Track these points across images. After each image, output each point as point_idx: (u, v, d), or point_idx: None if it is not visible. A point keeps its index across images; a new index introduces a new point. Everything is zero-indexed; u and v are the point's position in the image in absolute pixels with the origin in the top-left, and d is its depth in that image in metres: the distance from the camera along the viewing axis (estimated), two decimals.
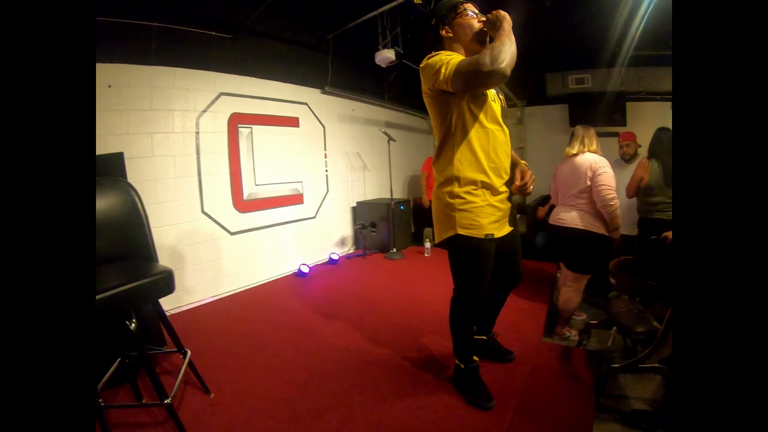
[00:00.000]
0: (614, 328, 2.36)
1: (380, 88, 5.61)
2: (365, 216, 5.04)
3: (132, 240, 1.79)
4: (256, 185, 3.92)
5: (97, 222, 1.72)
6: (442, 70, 1.51)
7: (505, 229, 1.76)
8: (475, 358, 1.93)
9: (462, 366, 1.92)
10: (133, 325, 1.51)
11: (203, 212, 3.46)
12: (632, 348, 2.25)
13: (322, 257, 4.62)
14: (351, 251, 5.14)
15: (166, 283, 1.58)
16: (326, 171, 4.75)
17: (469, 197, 1.65)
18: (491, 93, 1.68)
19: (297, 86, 4.26)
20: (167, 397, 1.56)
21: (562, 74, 5.39)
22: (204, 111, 3.43)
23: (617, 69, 4.85)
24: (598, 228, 2.57)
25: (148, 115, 3.07)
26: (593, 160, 2.56)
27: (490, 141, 1.63)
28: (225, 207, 3.65)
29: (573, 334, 2.79)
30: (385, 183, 5.16)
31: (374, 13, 3.67)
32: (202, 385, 1.98)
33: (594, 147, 2.64)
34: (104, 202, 1.78)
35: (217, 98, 3.52)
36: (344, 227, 5.14)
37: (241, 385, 2.05)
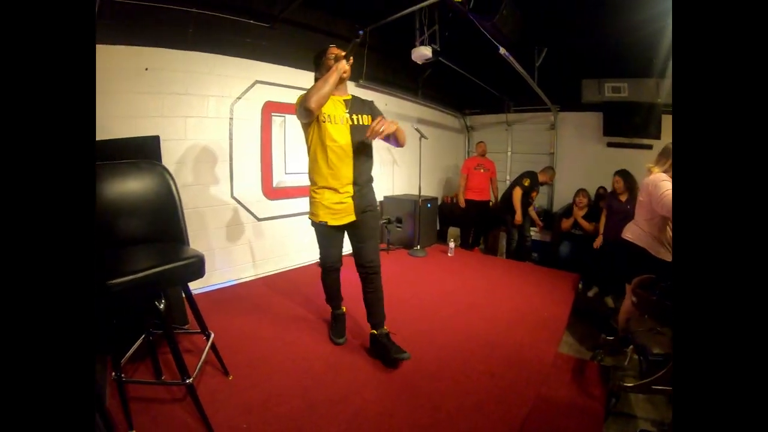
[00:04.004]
0: (631, 346, 2.31)
1: (414, 84, 5.58)
2: (391, 211, 5.05)
3: (165, 223, 1.84)
4: (286, 174, 3.97)
5: (132, 204, 1.78)
6: (296, 107, 2.08)
7: (344, 219, 2.25)
8: (344, 308, 2.60)
9: (331, 311, 2.58)
10: (162, 305, 1.56)
11: (233, 197, 3.53)
12: (647, 368, 2.20)
13: (347, 249, 4.65)
14: None
15: (197, 267, 1.62)
16: None
17: (315, 195, 2.24)
18: (335, 117, 2.13)
19: None
20: (189, 377, 1.61)
21: (599, 81, 5.22)
22: (238, 98, 3.49)
23: (655, 80, 4.68)
24: (652, 248, 2.46)
25: (184, 99, 3.14)
26: (659, 178, 2.36)
27: (328, 154, 2.12)
28: (254, 193, 3.71)
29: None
30: (414, 179, 5.11)
31: (412, 9, 3.64)
32: (221, 366, 2.04)
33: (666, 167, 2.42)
34: (140, 185, 1.82)
35: (252, 86, 3.58)
36: None
37: (260, 370, 2.11)
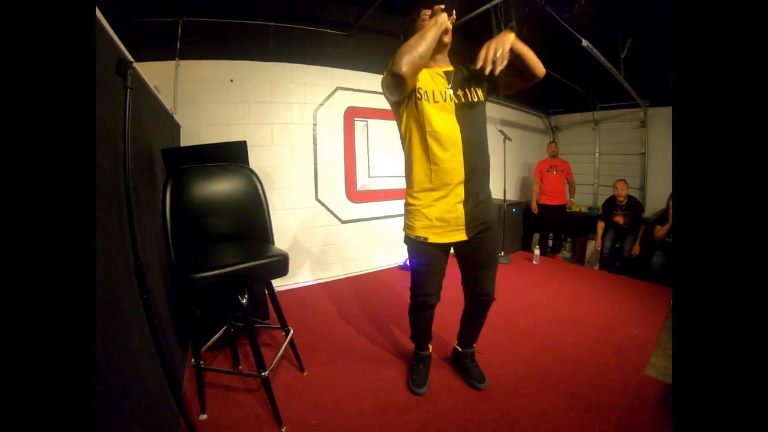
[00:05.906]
0: None
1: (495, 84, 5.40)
2: None
3: (252, 222, 1.95)
4: (370, 177, 4.06)
5: (221, 203, 1.91)
6: (382, 82, 1.62)
7: (450, 237, 1.70)
8: (430, 347, 2.11)
9: (414, 350, 2.12)
10: (245, 300, 1.65)
11: (317, 200, 3.69)
12: None
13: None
14: None
15: (281, 265, 1.68)
16: None
17: (411, 200, 1.75)
18: (434, 93, 1.61)
19: None
20: (265, 370, 1.67)
21: None
22: (321, 104, 3.64)
23: None
24: None
25: (268, 107, 3.34)
26: None
27: (429, 144, 1.61)
28: (338, 196, 3.85)
29: None
30: (499, 183, 4.89)
31: (487, 6, 3.52)
32: (298, 362, 2.12)
33: None
34: (229, 186, 1.95)
35: (333, 92, 3.71)
36: None
37: (334, 369, 2.15)
